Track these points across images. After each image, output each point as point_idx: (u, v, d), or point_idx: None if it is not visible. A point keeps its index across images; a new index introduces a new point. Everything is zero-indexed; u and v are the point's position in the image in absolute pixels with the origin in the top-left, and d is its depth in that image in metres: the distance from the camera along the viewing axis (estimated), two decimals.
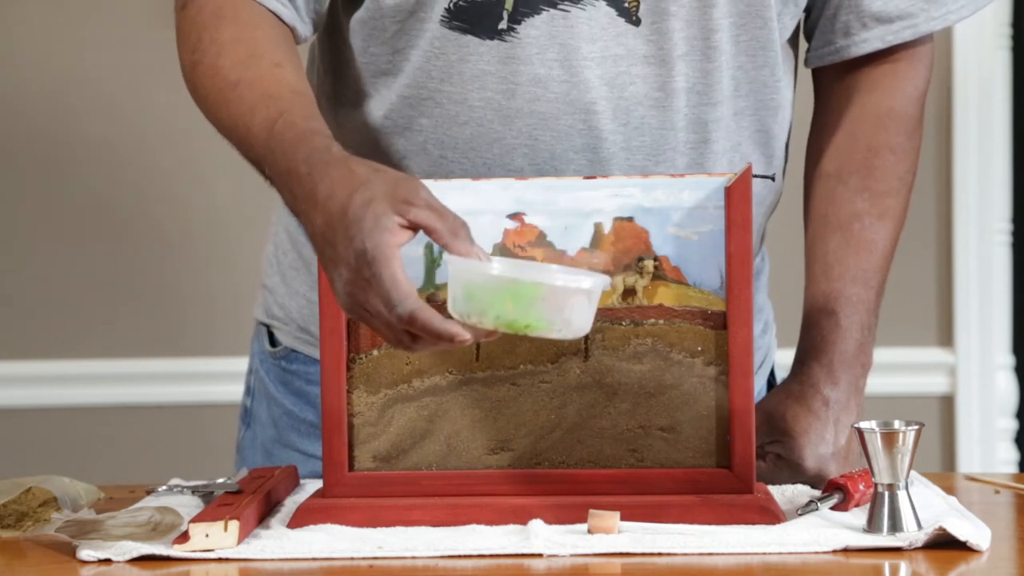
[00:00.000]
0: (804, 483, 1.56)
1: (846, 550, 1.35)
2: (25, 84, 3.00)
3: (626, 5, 1.56)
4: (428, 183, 1.37)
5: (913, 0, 1.66)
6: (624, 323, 1.46)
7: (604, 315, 1.46)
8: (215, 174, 3.02)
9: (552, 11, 1.56)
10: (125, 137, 3.00)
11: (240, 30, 1.52)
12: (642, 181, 1.45)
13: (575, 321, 1.31)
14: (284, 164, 1.40)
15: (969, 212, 3.09)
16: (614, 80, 1.57)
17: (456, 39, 1.57)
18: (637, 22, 1.56)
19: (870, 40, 1.66)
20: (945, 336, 3.15)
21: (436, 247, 1.46)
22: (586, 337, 1.46)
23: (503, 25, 1.56)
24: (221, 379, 3.05)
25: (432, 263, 1.46)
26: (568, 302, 1.30)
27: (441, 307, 1.45)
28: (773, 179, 1.55)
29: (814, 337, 1.64)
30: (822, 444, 1.57)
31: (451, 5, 1.56)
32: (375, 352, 1.47)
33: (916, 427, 1.38)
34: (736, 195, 1.43)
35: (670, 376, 1.46)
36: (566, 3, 1.56)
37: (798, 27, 1.69)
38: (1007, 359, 3.18)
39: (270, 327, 1.78)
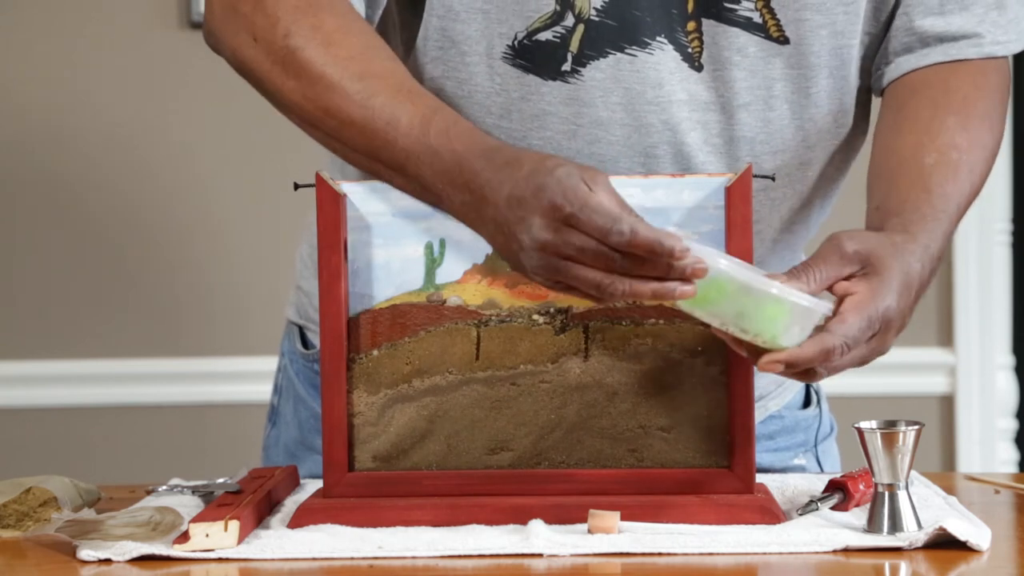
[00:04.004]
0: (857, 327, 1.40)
1: (846, 550, 1.35)
2: (31, 81, 3.00)
3: (689, 50, 1.55)
4: None
5: (980, 19, 1.60)
6: (624, 323, 1.46)
7: (604, 315, 1.46)
8: (215, 175, 3.02)
9: (619, 55, 1.54)
10: (130, 134, 3.00)
11: (342, 20, 1.48)
12: (642, 181, 1.45)
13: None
14: (463, 144, 1.40)
15: (969, 212, 3.08)
16: (677, 125, 1.56)
17: (518, 77, 1.55)
18: (699, 68, 1.55)
19: (931, 55, 1.60)
20: (945, 336, 3.14)
21: (436, 247, 1.46)
22: (586, 337, 1.46)
23: (567, 67, 1.54)
24: (221, 379, 3.05)
25: (432, 263, 1.46)
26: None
27: (443, 305, 1.45)
28: (773, 179, 1.54)
29: (910, 210, 1.54)
30: (899, 297, 1.42)
31: (515, 43, 1.54)
32: (375, 352, 1.47)
33: (916, 427, 1.38)
34: (736, 195, 1.43)
35: (670, 376, 1.46)
36: (633, 47, 1.54)
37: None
38: (1007, 359, 3.18)
39: (303, 328, 1.78)
